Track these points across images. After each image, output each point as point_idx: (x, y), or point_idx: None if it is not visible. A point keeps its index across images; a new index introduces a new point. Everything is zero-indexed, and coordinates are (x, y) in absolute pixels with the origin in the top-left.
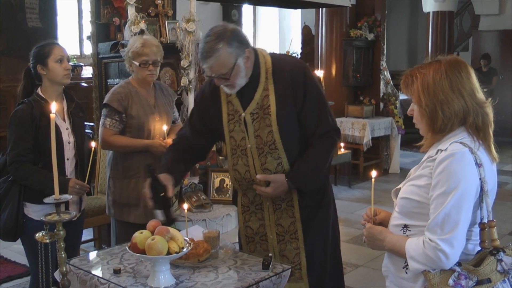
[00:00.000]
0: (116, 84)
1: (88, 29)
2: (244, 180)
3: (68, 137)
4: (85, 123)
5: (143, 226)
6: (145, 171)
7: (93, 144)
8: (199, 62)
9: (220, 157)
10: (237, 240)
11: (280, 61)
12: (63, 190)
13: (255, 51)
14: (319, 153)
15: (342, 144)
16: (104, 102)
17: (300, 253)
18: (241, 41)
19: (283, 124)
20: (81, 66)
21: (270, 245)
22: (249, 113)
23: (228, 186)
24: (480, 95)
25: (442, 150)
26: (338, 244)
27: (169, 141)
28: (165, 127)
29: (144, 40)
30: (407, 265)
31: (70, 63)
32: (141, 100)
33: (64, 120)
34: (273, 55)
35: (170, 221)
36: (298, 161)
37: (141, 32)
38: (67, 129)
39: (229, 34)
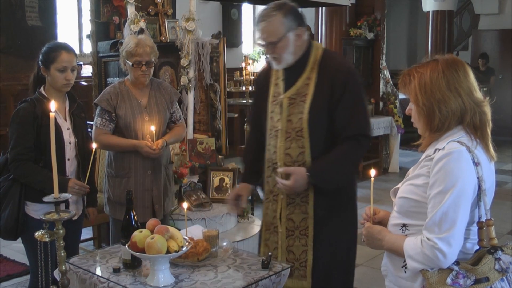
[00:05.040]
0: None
1: (87, 27)
2: (270, 160)
3: (69, 137)
4: (88, 122)
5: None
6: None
7: (94, 145)
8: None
9: (220, 156)
10: (237, 239)
11: (330, 56)
12: (62, 190)
13: (310, 40)
14: (343, 154)
15: None
16: (94, 102)
17: (307, 251)
18: (297, 17)
19: (314, 114)
20: (81, 64)
21: (279, 238)
22: (287, 97)
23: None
24: (478, 94)
25: (439, 149)
26: (352, 262)
27: (159, 142)
28: (153, 128)
29: (138, 40)
30: (406, 264)
31: None
32: (131, 100)
33: (65, 119)
34: (326, 50)
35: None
36: (321, 157)
37: (141, 31)
38: (68, 129)
39: (287, 7)
